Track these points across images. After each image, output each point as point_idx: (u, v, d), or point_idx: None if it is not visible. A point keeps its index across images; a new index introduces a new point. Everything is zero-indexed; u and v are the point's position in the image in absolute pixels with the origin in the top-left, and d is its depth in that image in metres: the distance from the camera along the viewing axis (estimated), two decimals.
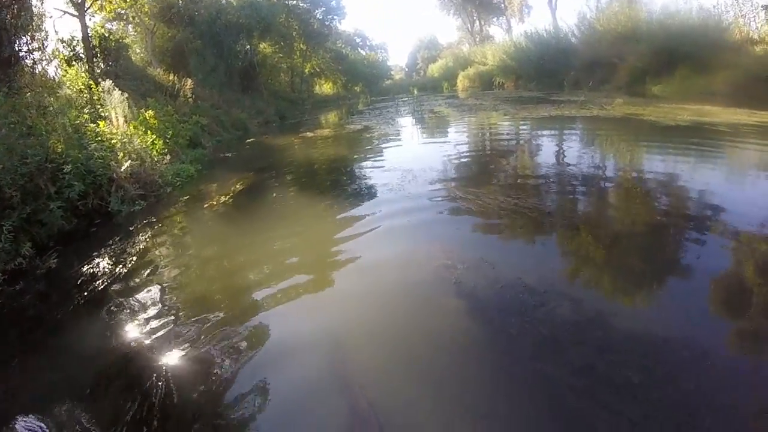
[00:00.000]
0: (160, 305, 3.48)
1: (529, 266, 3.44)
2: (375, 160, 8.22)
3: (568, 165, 6.51)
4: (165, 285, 3.85)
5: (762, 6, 16.76)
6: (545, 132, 9.99)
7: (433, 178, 6.27)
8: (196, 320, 3.17)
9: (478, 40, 48.18)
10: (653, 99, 14.58)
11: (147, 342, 3.00)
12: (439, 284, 3.29)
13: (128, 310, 3.48)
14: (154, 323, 3.22)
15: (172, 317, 3.27)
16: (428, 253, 3.81)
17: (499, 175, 6.37)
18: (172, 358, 2.77)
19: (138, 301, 3.61)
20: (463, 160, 7.68)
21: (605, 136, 8.99)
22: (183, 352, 2.82)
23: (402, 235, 4.34)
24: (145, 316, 3.35)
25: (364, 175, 7.14)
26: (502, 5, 45.35)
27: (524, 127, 10.85)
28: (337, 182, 7.20)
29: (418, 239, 4.22)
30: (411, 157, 7.95)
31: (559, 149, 7.87)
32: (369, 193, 6.07)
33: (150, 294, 3.70)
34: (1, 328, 3.54)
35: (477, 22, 49.54)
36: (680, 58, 16.12)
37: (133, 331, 3.18)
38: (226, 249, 4.72)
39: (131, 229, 5.58)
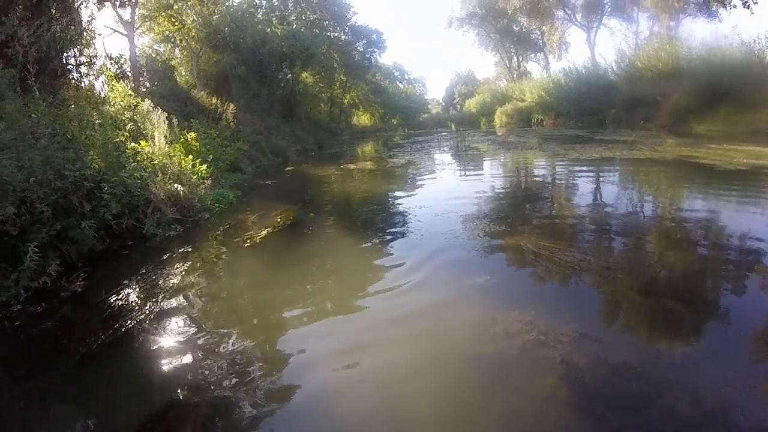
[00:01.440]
0: (191, 346, 3.06)
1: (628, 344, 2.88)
2: (422, 202, 7.34)
3: (644, 217, 5.83)
4: (197, 325, 3.42)
5: None
6: (604, 176, 9.27)
7: (493, 227, 5.44)
8: (228, 363, 2.78)
9: (515, 75, 48.11)
10: (699, 138, 13.83)
11: (179, 389, 2.61)
12: (520, 360, 2.68)
13: (158, 350, 3.08)
14: (184, 365, 2.83)
15: (203, 358, 2.87)
16: (498, 317, 3.19)
17: (567, 226, 5.56)
18: (202, 403, 2.42)
19: (168, 340, 3.19)
20: (522, 206, 6.93)
21: (668, 182, 8.32)
22: (213, 398, 2.45)
23: (462, 292, 3.65)
24: (175, 358, 2.94)
25: (411, 218, 6.28)
26: (540, 42, 45.20)
27: (578, 170, 10.06)
28: (380, 222, 6.57)
29: (485, 298, 3.54)
30: (463, 200, 7.02)
31: (627, 198, 7.02)
32: (418, 239, 5.26)
33: (181, 334, 3.27)
34: (21, 354, 3.19)
35: (515, 57, 49.51)
36: (724, 95, 15.51)
37: (163, 376, 2.80)
38: (262, 288, 4.26)
39: (165, 257, 5.17)
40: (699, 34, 22.71)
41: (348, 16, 36.00)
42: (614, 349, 2.69)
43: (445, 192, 8.22)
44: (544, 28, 43.07)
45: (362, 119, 46.68)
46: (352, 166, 13.91)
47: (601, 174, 9.46)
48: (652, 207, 6.52)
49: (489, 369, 2.59)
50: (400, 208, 7.26)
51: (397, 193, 8.96)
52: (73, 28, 8.18)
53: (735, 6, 17.69)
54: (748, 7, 16.44)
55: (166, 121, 9.03)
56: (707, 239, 4.79)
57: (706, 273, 3.87)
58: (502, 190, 8.35)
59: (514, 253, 4.50)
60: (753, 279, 3.59)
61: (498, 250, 4.70)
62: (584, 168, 10.17)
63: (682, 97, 17.70)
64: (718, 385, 2.32)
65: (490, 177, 10.45)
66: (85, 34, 8.83)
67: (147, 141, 7.19)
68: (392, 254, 4.77)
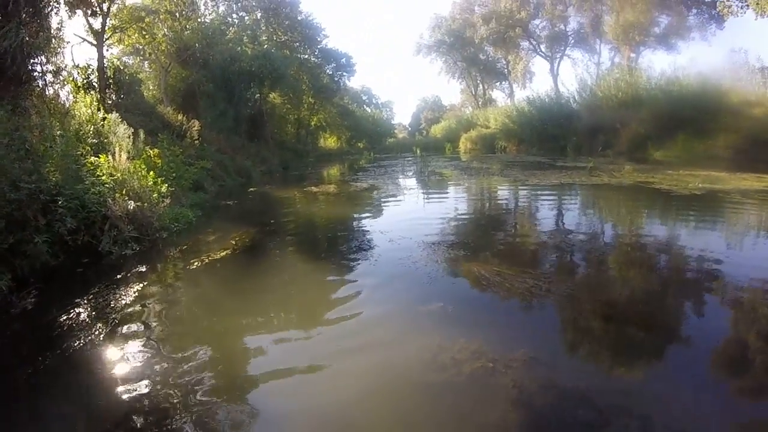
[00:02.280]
0: (141, 368, 3.00)
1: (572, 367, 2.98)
2: (383, 226, 7.34)
3: (599, 242, 6.10)
4: (148, 347, 3.34)
5: (759, 68, 17.14)
6: (562, 202, 9.61)
7: (450, 252, 5.52)
8: (179, 388, 2.73)
9: (481, 103, 49.32)
10: (657, 164, 14.52)
11: (125, 411, 2.55)
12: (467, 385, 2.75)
13: (107, 371, 3.01)
14: (133, 388, 2.76)
15: (154, 382, 2.80)
16: (449, 344, 3.23)
17: (523, 251, 5.74)
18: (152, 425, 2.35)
19: (118, 361, 3.12)
20: (480, 231, 7.11)
21: (624, 207, 8.74)
22: (158, 421, 2.39)
23: (415, 320, 3.66)
24: (124, 380, 2.87)
25: (371, 243, 6.31)
26: (506, 70, 46.56)
27: (538, 196, 10.37)
28: (341, 247, 6.59)
29: (439, 325, 3.58)
30: (422, 226, 7.06)
31: (585, 222, 7.32)
32: (376, 264, 5.29)
33: (131, 356, 3.20)
34: None
35: (480, 85, 50.82)
36: (681, 123, 16.34)
37: (110, 397, 2.73)
38: (216, 312, 4.19)
39: (119, 276, 5.03)
40: (658, 66, 23.95)
41: (319, 39, 36.25)
42: (563, 375, 2.76)
43: (406, 217, 8.29)
44: (509, 57, 44.50)
45: (329, 142, 46.73)
46: (315, 189, 13.88)
47: (559, 200, 9.79)
48: (607, 231, 6.84)
49: (439, 396, 2.61)
50: (360, 233, 7.32)
51: (358, 217, 9.03)
52: (42, 34, 7.98)
53: (744, 12, 18.54)
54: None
55: (131, 136, 8.91)
56: (662, 263, 5.06)
57: (660, 297, 4.05)
58: (462, 216, 8.50)
59: (469, 279, 4.57)
60: (706, 302, 3.80)
61: (453, 276, 4.80)
62: (544, 194, 10.48)
63: (640, 125, 18.54)
64: (669, 412, 2.38)
65: (451, 202, 10.71)
66: (53, 41, 8.62)
67: (107, 156, 7.06)
68: (349, 280, 4.77)
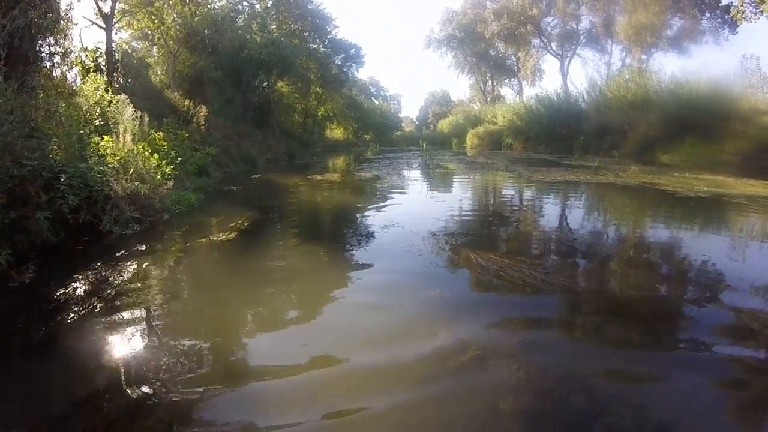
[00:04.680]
0: (136, 342, 3.04)
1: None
2: (385, 215, 7.42)
3: (600, 237, 6.14)
4: (144, 322, 3.39)
5: None
6: (565, 199, 9.57)
7: (449, 241, 5.57)
8: (173, 366, 2.75)
9: (489, 99, 49.18)
10: (663, 167, 14.45)
11: (116, 385, 2.57)
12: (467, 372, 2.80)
13: (102, 344, 3.04)
14: (127, 364, 2.79)
15: (149, 358, 2.83)
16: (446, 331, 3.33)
17: (524, 244, 5.82)
18: (143, 403, 2.37)
19: (113, 335, 3.16)
20: (482, 225, 7.13)
21: (627, 205, 8.75)
22: (156, 400, 2.40)
23: (413, 310, 3.63)
24: (118, 354, 2.91)
25: (372, 231, 6.33)
26: (516, 67, 46.38)
27: (542, 191, 10.41)
28: (341, 234, 6.68)
29: (434, 311, 3.61)
30: (424, 217, 7.02)
31: (586, 219, 7.40)
32: (376, 251, 5.33)
33: (127, 330, 3.24)
34: None
35: (490, 81, 50.63)
36: (689, 127, 16.24)
37: (104, 371, 2.76)
38: (216, 293, 4.21)
39: (119, 254, 5.07)
40: (669, 69, 23.74)
41: (328, 29, 36.18)
42: (558, 362, 2.78)
43: (408, 207, 8.35)
44: (519, 54, 44.28)
45: (335, 132, 46.69)
46: (319, 178, 13.96)
47: (563, 196, 9.77)
48: (608, 228, 6.84)
49: (435, 380, 2.62)
50: (362, 222, 7.35)
51: (362, 207, 9.04)
52: (50, 15, 7.97)
53: (758, 18, 18.40)
54: None
55: (138, 119, 8.93)
56: (661, 260, 5.07)
57: (655, 292, 4.03)
58: (464, 208, 8.51)
59: (468, 267, 4.59)
60: (705, 298, 3.81)
61: (452, 264, 4.82)
62: (547, 190, 10.48)
63: (649, 128, 18.44)
64: (665, 404, 2.38)
65: (454, 194, 10.75)
66: (62, 22, 8.61)
67: (112, 136, 7.09)
68: (348, 266, 4.82)
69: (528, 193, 10.49)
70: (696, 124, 15.95)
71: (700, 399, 2.48)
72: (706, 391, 2.55)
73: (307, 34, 35.13)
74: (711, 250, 5.17)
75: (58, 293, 3.86)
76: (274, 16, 33.29)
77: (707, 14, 30.39)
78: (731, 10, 20.56)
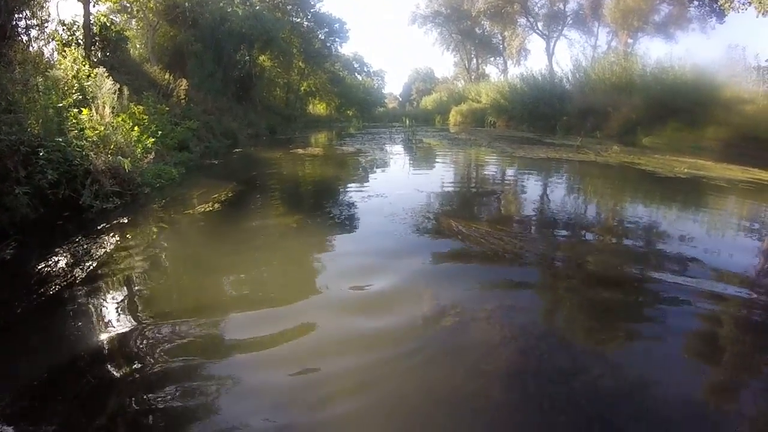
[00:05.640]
0: (118, 315, 3.07)
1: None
2: (366, 187, 7.71)
3: (576, 210, 6.34)
4: (127, 294, 3.43)
5: (755, 66, 17.23)
6: (545, 174, 9.82)
7: (434, 211, 5.82)
8: (155, 336, 2.78)
9: (473, 77, 48.89)
10: (644, 149, 14.73)
11: (99, 354, 2.63)
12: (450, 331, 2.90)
13: (84, 317, 3.08)
14: (109, 334, 2.83)
15: (131, 328, 2.87)
16: (427, 294, 3.43)
17: (505, 215, 6.05)
18: (125, 372, 2.43)
19: (96, 308, 3.20)
20: (464, 197, 7.35)
21: (608, 182, 8.99)
22: (138, 369, 2.44)
23: (396, 276, 3.71)
24: (101, 325, 2.96)
25: (353, 202, 6.53)
26: (501, 46, 46.15)
27: (522, 167, 10.65)
28: (322, 204, 6.76)
29: (421, 280, 3.69)
30: (409, 189, 7.32)
31: (565, 193, 7.68)
32: (358, 221, 5.55)
33: (109, 302, 3.28)
34: None
35: (474, 59, 50.30)
36: (672, 111, 16.43)
37: (86, 341, 2.79)
38: (198, 262, 4.27)
39: (100, 227, 5.07)
40: (654, 53, 23.87)
41: (312, 3, 35.56)
42: (537, 322, 3.00)
43: (390, 179, 8.69)
44: (505, 33, 43.99)
45: (318, 108, 46.16)
46: (302, 152, 14.12)
47: (544, 171, 10.02)
48: (587, 202, 7.12)
49: (416, 340, 2.73)
50: (345, 192, 7.52)
51: (344, 179, 9.21)
52: None
53: (746, 9, 18.41)
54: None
55: (117, 93, 8.78)
56: (638, 234, 5.20)
57: (630, 263, 4.14)
58: (446, 181, 8.70)
59: (449, 235, 4.76)
60: (677, 263, 4.00)
61: (434, 232, 4.95)
62: (529, 166, 10.74)
63: (632, 110, 18.64)
64: (641, 363, 2.54)
65: (436, 169, 10.94)
66: None
67: (90, 109, 6.98)
68: (332, 234, 4.96)
69: (510, 169, 10.69)
70: (678, 109, 16.14)
71: (673, 355, 2.65)
72: (679, 348, 2.73)
73: (290, 7, 34.48)
74: (686, 223, 5.48)
75: (39, 267, 3.87)
76: None
77: (695, 2, 30.40)
78: None
